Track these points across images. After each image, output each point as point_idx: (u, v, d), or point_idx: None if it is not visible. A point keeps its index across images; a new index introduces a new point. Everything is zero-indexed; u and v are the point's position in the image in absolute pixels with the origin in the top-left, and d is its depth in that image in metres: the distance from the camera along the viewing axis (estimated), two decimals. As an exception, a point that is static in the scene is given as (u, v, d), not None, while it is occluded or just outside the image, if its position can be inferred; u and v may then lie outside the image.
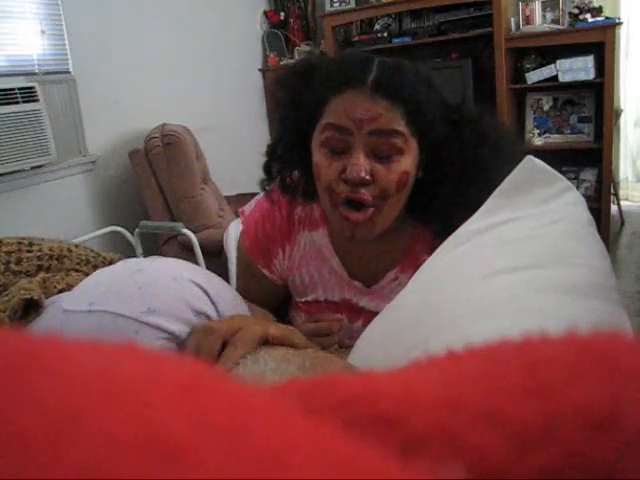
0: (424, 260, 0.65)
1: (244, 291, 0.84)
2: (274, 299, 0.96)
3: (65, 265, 0.69)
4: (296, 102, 0.80)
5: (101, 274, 0.60)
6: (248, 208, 0.96)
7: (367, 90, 0.71)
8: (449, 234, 0.64)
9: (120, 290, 0.54)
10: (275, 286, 0.94)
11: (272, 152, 0.86)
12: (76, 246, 0.75)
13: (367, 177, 0.71)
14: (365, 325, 0.70)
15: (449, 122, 0.78)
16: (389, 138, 0.71)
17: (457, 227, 0.64)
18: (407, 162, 0.74)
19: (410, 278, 0.64)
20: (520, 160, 0.63)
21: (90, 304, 0.53)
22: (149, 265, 0.58)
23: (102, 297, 0.54)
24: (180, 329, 0.53)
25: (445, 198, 0.77)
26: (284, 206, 0.89)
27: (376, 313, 0.68)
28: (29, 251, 0.67)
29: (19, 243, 0.68)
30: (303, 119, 0.78)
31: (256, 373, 0.46)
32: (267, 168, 0.87)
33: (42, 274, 0.65)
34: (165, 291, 0.54)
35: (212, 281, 0.60)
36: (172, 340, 0.53)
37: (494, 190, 0.63)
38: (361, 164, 0.71)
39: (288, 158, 0.85)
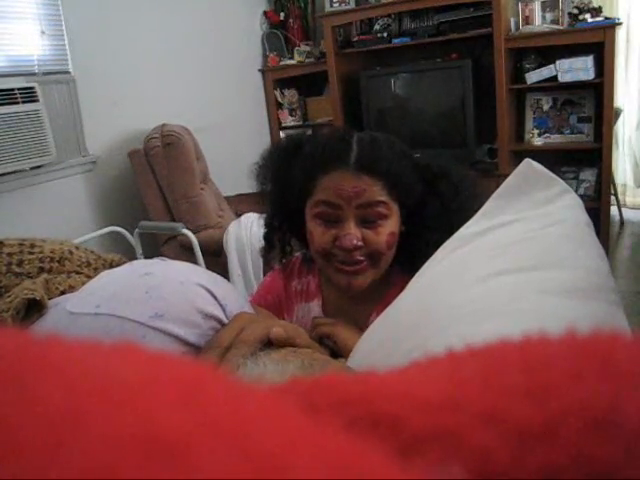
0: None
1: None
2: None
3: (66, 267, 0.68)
4: (285, 177, 0.90)
5: (107, 276, 0.59)
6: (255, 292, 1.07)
7: (351, 169, 0.81)
8: None
9: (127, 293, 0.53)
10: None
11: (270, 223, 0.97)
12: (77, 248, 0.74)
13: (359, 243, 0.81)
14: None
15: (424, 181, 0.87)
16: (374, 208, 0.82)
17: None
18: (392, 224, 0.84)
19: None
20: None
21: (97, 307, 0.53)
22: (157, 268, 0.57)
23: (109, 300, 0.53)
24: (188, 333, 0.53)
25: (430, 247, 0.86)
26: (282, 280, 1.00)
27: None
28: (31, 253, 0.67)
29: (20, 244, 0.68)
30: (295, 193, 0.88)
31: (256, 374, 0.46)
32: (267, 238, 0.98)
33: (44, 275, 0.64)
34: (173, 295, 0.53)
35: (219, 284, 0.60)
36: (180, 344, 0.52)
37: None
38: (352, 233, 0.81)
39: (285, 227, 0.96)
